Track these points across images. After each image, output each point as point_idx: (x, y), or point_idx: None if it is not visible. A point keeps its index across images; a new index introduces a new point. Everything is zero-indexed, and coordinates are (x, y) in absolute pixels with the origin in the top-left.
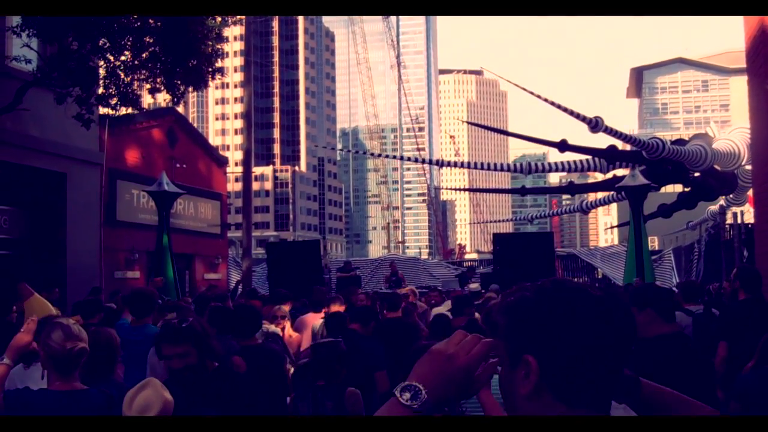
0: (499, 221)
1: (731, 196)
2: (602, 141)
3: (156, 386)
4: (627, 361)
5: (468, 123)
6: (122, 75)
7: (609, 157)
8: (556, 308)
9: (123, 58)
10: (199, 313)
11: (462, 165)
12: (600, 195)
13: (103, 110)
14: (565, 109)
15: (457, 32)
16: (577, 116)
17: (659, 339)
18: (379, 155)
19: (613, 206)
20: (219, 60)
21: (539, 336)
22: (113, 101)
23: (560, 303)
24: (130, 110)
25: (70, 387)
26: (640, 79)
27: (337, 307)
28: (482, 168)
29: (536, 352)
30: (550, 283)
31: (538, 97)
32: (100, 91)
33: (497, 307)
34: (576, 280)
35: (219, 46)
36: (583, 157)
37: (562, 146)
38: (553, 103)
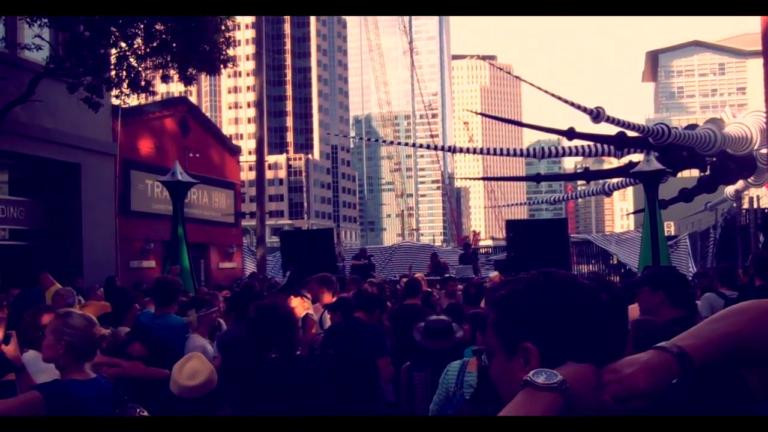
0: (515, 205)
1: (751, 178)
2: (614, 129)
3: (201, 357)
4: (624, 335)
5: (478, 113)
6: (133, 61)
7: (619, 143)
8: (548, 296)
9: (134, 45)
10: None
11: (475, 151)
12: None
13: (116, 101)
14: (566, 101)
15: (470, 17)
16: (579, 107)
17: (671, 323)
18: (392, 142)
19: (629, 192)
20: (230, 47)
21: (535, 324)
22: (124, 86)
23: (552, 291)
24: (142, 96)
25: (86, 376)
26: (655, 63)
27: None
28: (495, 153)
29: (534, 339)
30: (540, 274)
31: (539, 88)
32: (112, 74)
33: (488, 301)
34: (591, 265)
35: (229, 35)
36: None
37: (570, 134)
38: (553, 95)
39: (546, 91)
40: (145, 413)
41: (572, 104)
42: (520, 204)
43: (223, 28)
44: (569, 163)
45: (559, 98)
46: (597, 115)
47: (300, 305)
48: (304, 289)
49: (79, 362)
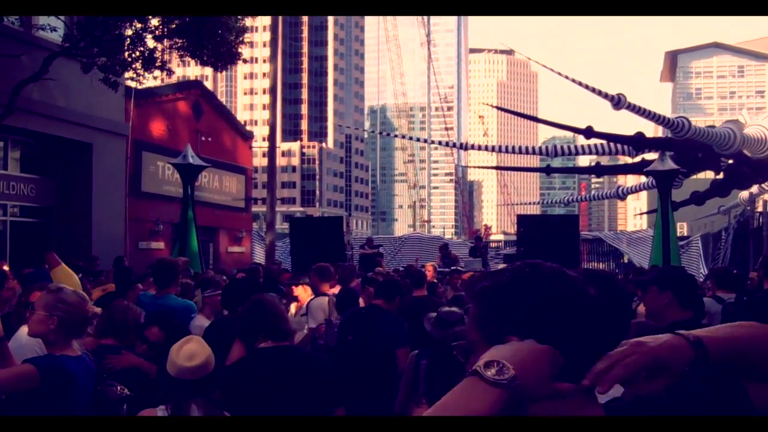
0: (527, 203)
1: (766, 184)
2: (631, 129)
3: (200, 340)
4: (619, 330)
5: (494, 107)
6: (149, 42)
7: (636, 144)
8: (535, 289)
9: (150, 27)
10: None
11: (488, 148)
12: (629, 182)
13: (131, 83)
14: (587, 87)
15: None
16: (599, 93)
17: (672, 327)
18: (404, 136)
19: (643, 192)
20: (245, 35)
21: (521, 317)
22: (137, 65)
23: (538, 283)
24: (158, 76)
25: (75, 352)
26: (674, 63)
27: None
28: (508, 151)
29: (519, 333)
30: (526, 266)
31: (559, 74)
32: (126, 54)
33: (469, 292)
34: (601, 263)
35: (244, 23)
36: None
37: (588, 133)
38: (574, 80)
39: (566, 77)
40: (126, 392)
41: (593, 90)
42: (533, 203)
43: (239, 25)
44: (584, 160)
45: (579, 83)
46: (618, 102)
47: (303, 293)
48: (305, 277)
49: (69, 338)
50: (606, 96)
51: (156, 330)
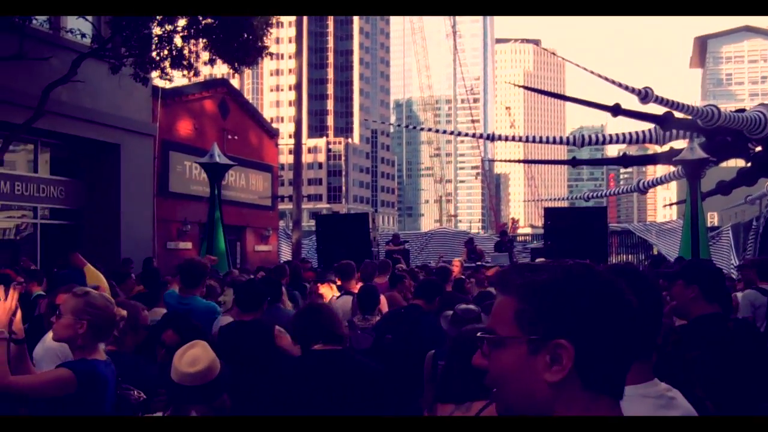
0: (554, 200)
1: None
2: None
3: (204, 345)
4: (649, 349)
5: (521, 87)
6: (178, 42)
7: (664, 123)
8: (590, 292)
9: (178, 27)
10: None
11: (515, 139)
12: (658, 173)
13: (159, 81)
14: (613, 82)
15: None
16: (626, 88)
17: (697, 321)
18: (430, 129)
19: (673, 182)
20: (271, 30)
21: (573, 319)
22: (165, 64)
23: (594, 287)
24: (183, 74)
25: (102, 356)
26: (704, 49)
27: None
28: (535, 141)
29: (571, 336)
30: (580, 266)
31: (584, 69)
32: (153, 54)
33: (507, 284)
34: (630, 256)
35: (271, 20)
36: (640, 128)
37: (616, 110)
38: (600, 75)
39: (592, 72)
40: (143, 396)
41: (619, 85)
42: (560, 199)
43: (263, 22)
44: (612, 151)
45: (606, 79)
46: (645, 96)
47: (328, 291)
48: (331, 274)
49: (96, 342)
50: (633, 90)
51: (171, 333)
